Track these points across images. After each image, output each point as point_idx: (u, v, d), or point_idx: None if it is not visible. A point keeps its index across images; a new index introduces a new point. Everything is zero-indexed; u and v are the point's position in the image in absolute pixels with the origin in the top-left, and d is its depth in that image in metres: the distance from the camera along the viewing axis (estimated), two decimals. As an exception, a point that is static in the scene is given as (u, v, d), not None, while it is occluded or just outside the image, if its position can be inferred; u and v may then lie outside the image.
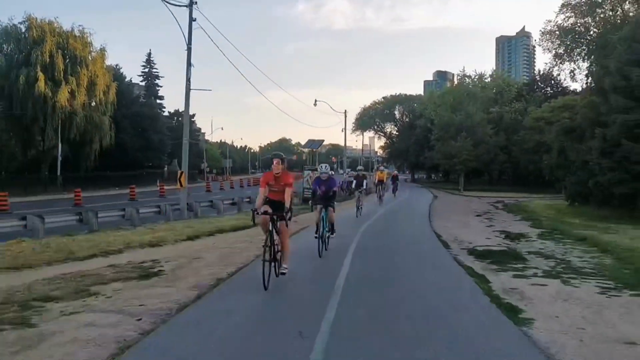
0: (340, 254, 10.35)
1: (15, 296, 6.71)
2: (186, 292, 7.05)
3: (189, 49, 22.75)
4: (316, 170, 19.69)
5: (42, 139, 43.85)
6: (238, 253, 10.57)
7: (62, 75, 43.01)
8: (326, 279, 7.99)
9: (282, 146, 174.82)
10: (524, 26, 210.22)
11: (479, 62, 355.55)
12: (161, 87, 65.86)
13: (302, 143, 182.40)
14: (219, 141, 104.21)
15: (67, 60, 44.18)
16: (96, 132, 45.73)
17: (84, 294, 6.84)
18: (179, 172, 23.45)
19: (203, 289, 7.24)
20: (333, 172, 15.59)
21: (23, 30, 43.73)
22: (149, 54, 65.95)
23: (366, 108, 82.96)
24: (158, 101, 64.35)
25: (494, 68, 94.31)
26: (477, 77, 61.17)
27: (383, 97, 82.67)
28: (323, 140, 50.24)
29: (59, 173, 42.33)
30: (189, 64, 22.93)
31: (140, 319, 5.58)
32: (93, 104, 45.69)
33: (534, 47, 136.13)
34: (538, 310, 6.29)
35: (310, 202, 17.77)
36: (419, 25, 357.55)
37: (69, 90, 43.06)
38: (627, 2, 47.69)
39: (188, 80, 22.79)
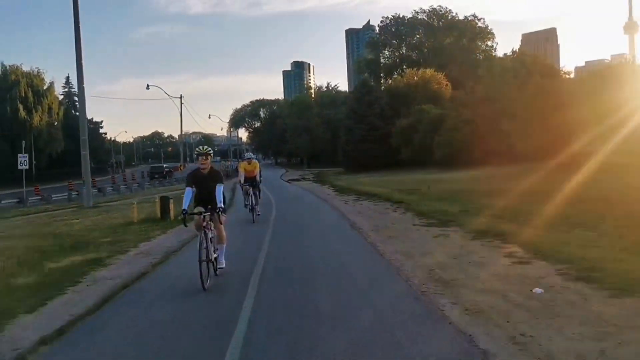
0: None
1: None
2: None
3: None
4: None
5: (22, 150, 67.82)
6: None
7: (32, 104, 67.47)
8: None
9: (157, 138, 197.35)
10: (369, 20, 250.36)
11: (332, 52, 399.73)
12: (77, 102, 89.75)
13: (175, 136, 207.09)
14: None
15: (32, 94, 68.52)
16: (54, 142, 70.41)
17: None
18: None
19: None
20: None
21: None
22: (68, 77, 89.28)
23: (237, 110, 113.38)
24: (76, 113, 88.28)
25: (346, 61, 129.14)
26: (316, 88, 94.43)
27: (250, 102, 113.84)
28: (200, 133, 79.43)
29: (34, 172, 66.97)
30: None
31: None
32: (55, 123, 70.52)
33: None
34: (354, 213, 37.32)
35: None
36: (277, 9, 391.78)
37: (39, 115, 67.71)
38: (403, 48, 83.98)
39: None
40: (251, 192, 15.27)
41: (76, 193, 34.75)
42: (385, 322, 5.41)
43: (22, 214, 25.48)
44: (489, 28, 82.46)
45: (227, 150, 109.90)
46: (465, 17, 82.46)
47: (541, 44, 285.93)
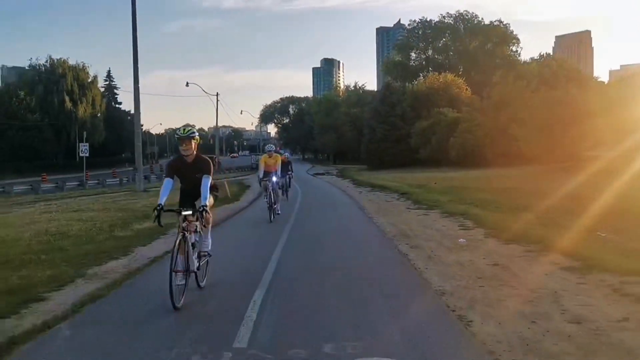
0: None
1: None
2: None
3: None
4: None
5: (67, 138, 73.40)
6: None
7: (77, 97, 72.91)
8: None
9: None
10: (400, 19, 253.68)
11: (362, 49, 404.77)
12: (118, 95, 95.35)
13: (206, 129, 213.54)
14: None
15: (78, 86, 73.98)
16: (97, 132, 75.84)
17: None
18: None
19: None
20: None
21: (47, 66, 72.98)
22: (109, 71, 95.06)
23: (267, 106, 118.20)
24: (117, 105, 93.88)
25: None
26: (344, 88, 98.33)
27: (280, 98, 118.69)
28: (230, 127, 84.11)
29: (77, 159, 72.45)
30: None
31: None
32: (99, 114, 75.96)
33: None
34: (365, 200, 41.44)
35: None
36: (308, 5, 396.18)
37: (83, 107, 73.15)
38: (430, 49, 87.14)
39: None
40: (270, 188, 13.92)
41: (126, 179, 39.34)
42: (367, 247, 9.54)
43: (85, 194, 30.05)
44: (514, 33, 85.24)
45: (257, 145, 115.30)
46: (491, 22, 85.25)
47: (574, 47, 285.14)
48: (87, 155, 38.19)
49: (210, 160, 6.52)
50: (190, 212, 6.12)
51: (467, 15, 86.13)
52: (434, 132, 49.12)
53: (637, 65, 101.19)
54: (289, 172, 19.96)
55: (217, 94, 60.07)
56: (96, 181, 38.91)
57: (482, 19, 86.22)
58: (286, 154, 20.49)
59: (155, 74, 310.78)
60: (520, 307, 5.46)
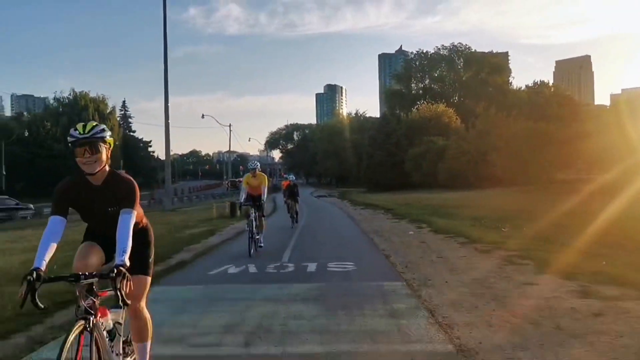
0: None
1: None
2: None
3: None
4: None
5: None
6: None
7: (98, 126, 79.45)
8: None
9: (194, 156, 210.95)
10: (401, 45, 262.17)
11: (365, 74, 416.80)
12: (132, 123, 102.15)
13: (210, 154, 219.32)
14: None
15: (98, 117, 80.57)
16: (115, 159, 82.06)
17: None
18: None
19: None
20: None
21: (71, 99, 79.82)
22: (124, 101, 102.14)
23: (273, 132, 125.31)
24: (130, 133, 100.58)
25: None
26: (347, 115, 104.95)
27: (285, 125, 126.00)
28: (235, 152, 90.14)
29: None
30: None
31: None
32: (117, 142, 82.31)
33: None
34: (356, 214, 47.39)
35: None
36: (311, 31, 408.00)
37: (103, 135, 79.59)
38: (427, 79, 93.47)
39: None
40: (252, 216, 11.77)
41: (152, 200, 45.36)
42: (349, 236, 15.36)
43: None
44: (509, 60, 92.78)
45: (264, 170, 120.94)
46: (483, 52, 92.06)
47: (575, 72, 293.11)
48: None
49: (133, 184, 3.48)
50: (93, 280, 3.17)
51: (460, 47, 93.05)
52: (425, 158, 55.11)
53: (638, 89, 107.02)
54: (296, 197, 19.83)
55: (229, 125, 65.64)
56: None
57: (475, 49, 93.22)
58: (291, 177, 20.95)
59: (160, 100, 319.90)
60: (419, 254, 11.24)
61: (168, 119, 37.31)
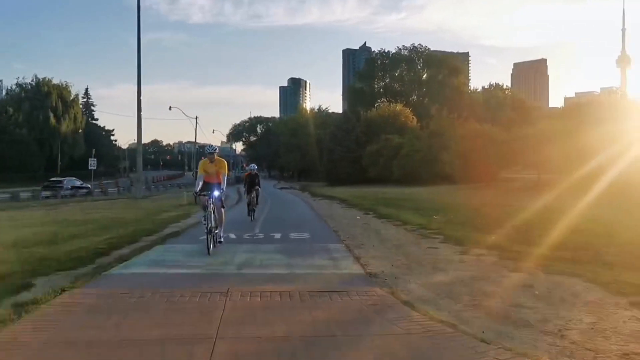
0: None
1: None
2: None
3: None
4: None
5: (50, 152, 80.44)
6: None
7: (61, 113, 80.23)
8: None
9: (155, 146, 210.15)
10: (365, 42, 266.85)
11: (329, 68, 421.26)
12: (94, 111, 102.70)
13: (172, 144, 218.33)
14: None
15: (61, 104, 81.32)
16: (77, 147, 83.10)
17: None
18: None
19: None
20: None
21: (33, 85, 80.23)
22: (87, 89, 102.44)
23: (236, 125, 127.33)
24: (93, 122, 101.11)
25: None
26: (310, 110, 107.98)
27: (249, 118, 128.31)
28: (198, 143, 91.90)
29: (59, 171, 79.48)
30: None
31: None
32: (80, 130, 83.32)
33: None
34: (315, 204, 50.32)
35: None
36: (277, 23, 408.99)
37: (66, 123, 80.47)
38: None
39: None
40: (210, 207, 10.51)
41: (122, 188, 47.55)
42: (308, 219, 18.48)
43: (96, 200, 38.13)
44: (469, 61, 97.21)
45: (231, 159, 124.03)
46: (444, 52, 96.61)
47: (531, 74, 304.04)
48: (95, 168, 45.98)
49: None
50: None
51: (420, 49, 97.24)
52: (381, 155, 58.71)
53: (590, 93, 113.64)
54: (257, 187, 19.10)
55: (196, 117, 67.54)
56: (100, 190, 46.90)
57: (436, 50, 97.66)
58: (252, 167, 20.98)
59: (120, 87, 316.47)
60: (360, 231, 14.40)
61: (140, 111, 39.59)
